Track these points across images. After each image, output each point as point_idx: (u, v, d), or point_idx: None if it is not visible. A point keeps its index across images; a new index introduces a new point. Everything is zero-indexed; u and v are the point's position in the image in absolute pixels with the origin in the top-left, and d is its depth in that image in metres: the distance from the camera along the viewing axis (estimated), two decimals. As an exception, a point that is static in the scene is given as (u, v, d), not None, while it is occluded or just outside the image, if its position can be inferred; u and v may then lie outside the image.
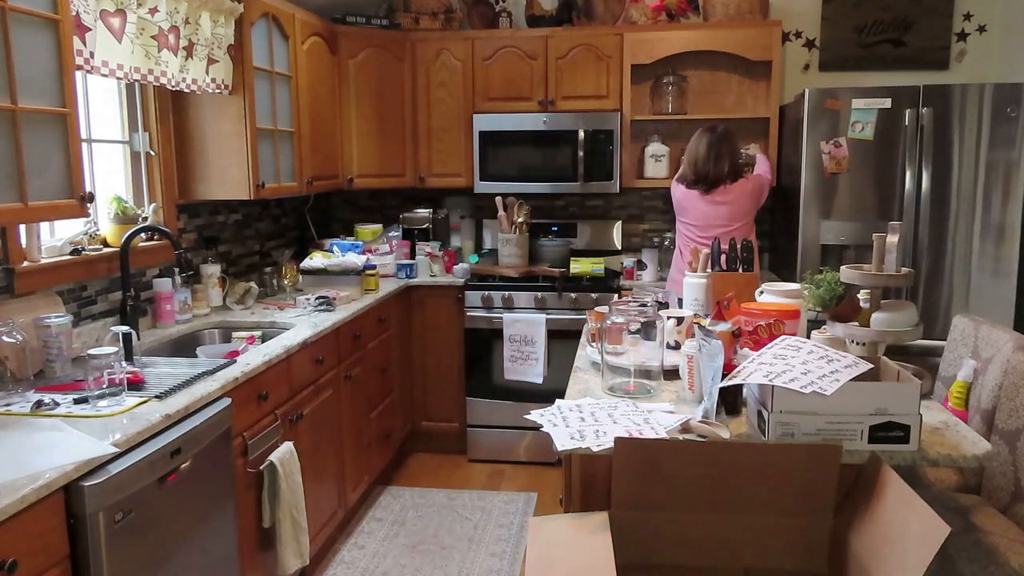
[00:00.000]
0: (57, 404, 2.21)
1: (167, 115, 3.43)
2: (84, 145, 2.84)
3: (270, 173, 3.66)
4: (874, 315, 2.40)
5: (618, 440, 1.87)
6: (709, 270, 3.05)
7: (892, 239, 2.37)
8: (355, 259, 4.04)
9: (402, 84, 4.70)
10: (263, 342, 3.18)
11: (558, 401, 2.33)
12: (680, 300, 3.10)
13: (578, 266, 4.59)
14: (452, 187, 4.87)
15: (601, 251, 4.92)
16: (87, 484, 1.85)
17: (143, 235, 3.21)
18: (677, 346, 2.57)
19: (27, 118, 2.15)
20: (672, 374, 2.45)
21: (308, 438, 3.19)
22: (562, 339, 4.24)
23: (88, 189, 2.38)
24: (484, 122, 4.64)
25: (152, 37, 2.86)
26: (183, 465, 2.23)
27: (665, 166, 4.69)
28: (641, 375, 2.40)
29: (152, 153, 3.38)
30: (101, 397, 2.21)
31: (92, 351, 2.23)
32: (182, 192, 3.54)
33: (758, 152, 4.33)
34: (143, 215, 3.25)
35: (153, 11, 2.85)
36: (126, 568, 1.99)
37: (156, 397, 2.30)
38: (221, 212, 3.96)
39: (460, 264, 4.70)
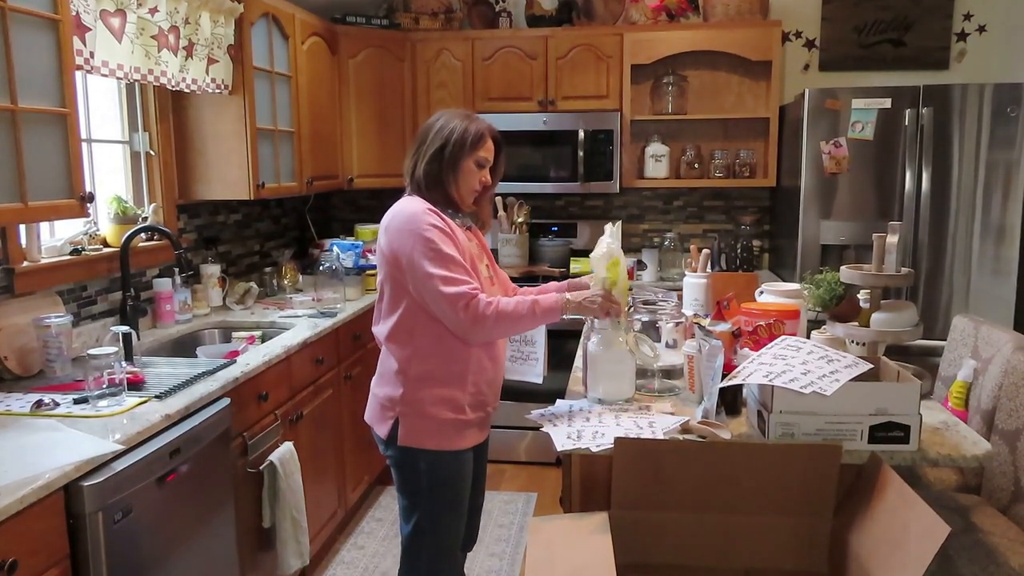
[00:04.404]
0: (57, 404, 2.21)
1: (167, 115, 3.43)
2: (84, 145, 2.83)
3: (270, 173, 3.66)
4: (874, 315, 2.40)
5: (618, 440, 1.87)
6: (709, 270, 3.05)
7: (892, 239, 2.37)
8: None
9: (402, 84, 4.70)
10: (263, 342, 3.18)
11: (558, 401, 2.33)
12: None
13: (578, 266, 4.59)
14: (452, 187, 4.86)
15: (601, 251, 4.91)
16: (87, 484, 1.85)
17: (143, 235, 3.21)
18: (675, 344, 2.57)
19: (27, 118, 2.15)
20: (670, 373, 2.46)
21: (308, 438, 3.19)
22: (562, 339, 4.23)
23: (88, 189, 2.38)
24: (484, 122, 4.62)
25: (152, 37, 2.86)
26: (183, 465, 2.23)
27: (665, 166, 4.69)
28: (664, 374, 2.42)
29: (152, 153, 3.38)
30: (101, 397, 2.21)
31: (92, 351, 2.23)
32: (182, 192, 3.53)
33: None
34: (143, 215, 3.25)
35: (153, 11, 2.84)
36: (126, 568, 1.99)
37: (156, 397, 2.30)
38: (221, 212, 3.96)
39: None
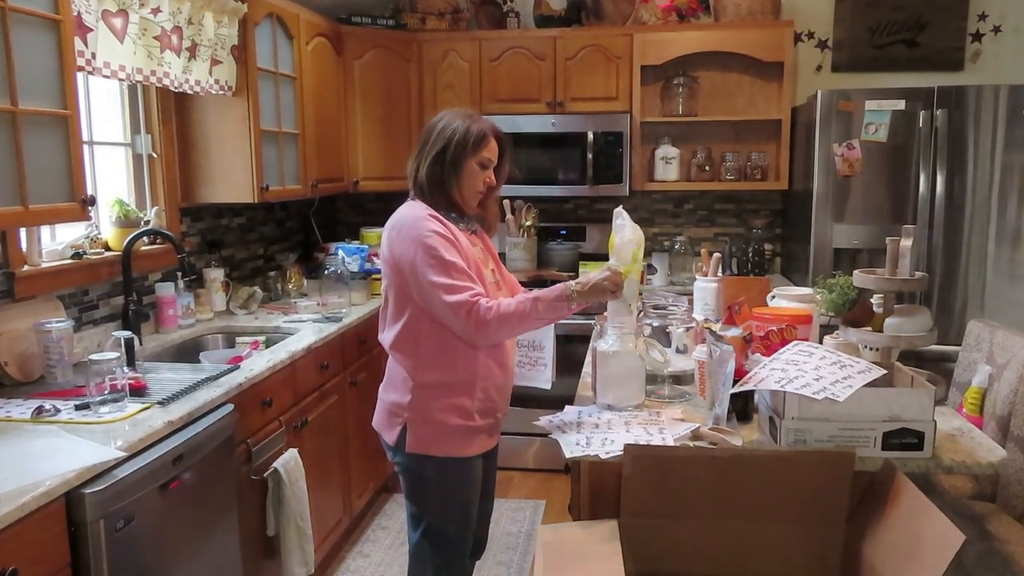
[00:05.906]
0: (58, 410, 2.20)
1: (170, 117, 3.41)
2: (85, 147, 2.82)
3: (274, 176, 3.64)
4: (887, 320, 2.36)
5: (628, 447, 1.86)
6: (720, 274, 3.02)
7: (906, 243, 2.33)
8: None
9: (408, 85, 4.68)
10: (267, 347, 3.16)
11: (567, 407, 2.31)
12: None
13: (587, 270, 4.54)
14: (459, 190, 4.84)
15: (610, 255, 4.89)
16: (88, 491, 1.84)
17: (145, 239, 3.19)
18: (685, 350, 2.54)
19: (28, 120, 2.14)
20: (680, 379, 2.43)
21: (313, 445, 3.16)
22: (571, 344, 4.20)
23: (89, 192, 2.38)
24: (491, 124, 4.60)
25: (155, 38, 2.84)
26: (185, 472, 2.21)
27: (676, 168, 4.66)
28: (674, 380, 2.39)
29: (154, 155, 3.36)
30: (103, 403, 2.20)
31: (94, 357, 2.22)
32: (185, 195, 3.52)
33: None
34: (145, 218, 3.23)
35: (156, 11, 2.83)
36: (127, 577, 1.97)
37: (158, 403, 2.29)
38: (224, 215, 3.95)
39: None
